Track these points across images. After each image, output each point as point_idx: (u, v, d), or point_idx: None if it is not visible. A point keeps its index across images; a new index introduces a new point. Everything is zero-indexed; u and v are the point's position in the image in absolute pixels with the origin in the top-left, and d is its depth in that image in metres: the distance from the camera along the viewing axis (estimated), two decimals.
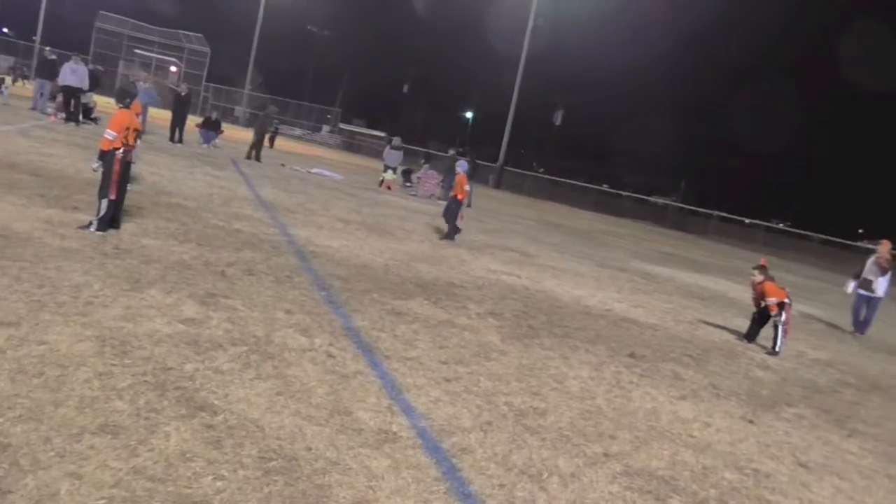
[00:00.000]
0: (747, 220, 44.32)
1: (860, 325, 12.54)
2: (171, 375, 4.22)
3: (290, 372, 4.70)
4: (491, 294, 8.83)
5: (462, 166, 14.46)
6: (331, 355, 5.21)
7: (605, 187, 51.12)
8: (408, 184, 25.20)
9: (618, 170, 62.62)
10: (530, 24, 46.07)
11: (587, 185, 50.43)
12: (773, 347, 8.76)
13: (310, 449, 3.70)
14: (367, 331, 6.05)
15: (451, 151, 25.18)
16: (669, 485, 4.28)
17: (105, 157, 7.48)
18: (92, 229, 7.30)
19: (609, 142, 69.22)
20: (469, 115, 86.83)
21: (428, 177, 24.54)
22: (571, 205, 42.93)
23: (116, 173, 7.44)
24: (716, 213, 43.66)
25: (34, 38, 48.52)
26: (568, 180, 50.45)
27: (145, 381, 4.07)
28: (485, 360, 5.96)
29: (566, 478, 4.04)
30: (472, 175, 24.70)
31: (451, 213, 13.45)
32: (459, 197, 13.53)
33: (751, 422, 5.89)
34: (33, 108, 21.80)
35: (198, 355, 4.62)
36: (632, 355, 7.22)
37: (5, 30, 62.75)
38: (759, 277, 9.14)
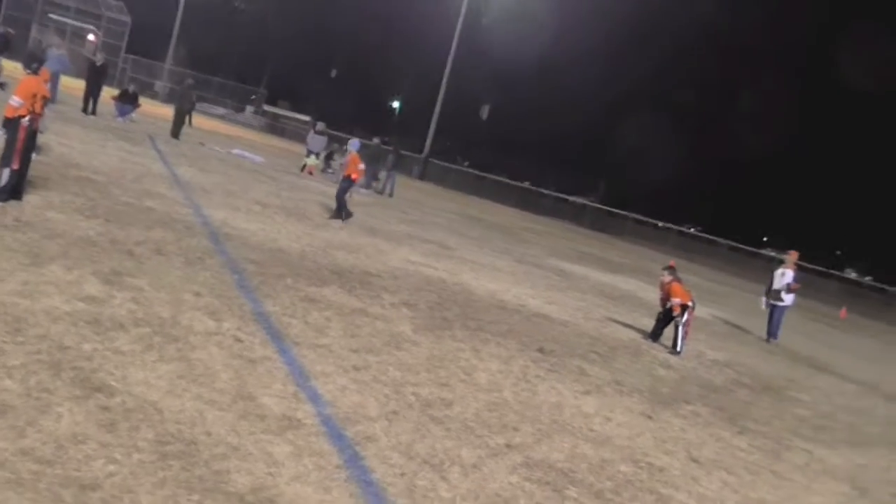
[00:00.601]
0: (660, 224, 45.70)
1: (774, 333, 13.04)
2: (68, 355, 4.08)
3: (194, 355, 4.61)
4: (407, 285, 8.85)
5: (354, 145, 14.52)
6: (238, 340, 5.13)
7: (527, 185, 51.75)
8: (329, 170, 24.92)
9: (541, 168, 63.50)
10: (461, 15, 46.15)
11: (510, 181, 50.94)
12: (675, 347, 9.09)
13: (209, 434, 3.65)
14: (278, 316, 5.99)
15: (376, 140, 25.02)
16: (567, 476, 4.41)
17: (9, 124, 7.14)
18: None
19: (533, 139, 70.09)
20: (396, 104, 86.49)
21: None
22: (494, 200, 43.30)
23: (21, 141, 7.11)
24: (631, 215, 44.86)
25: None
26: (492, 176, 50.83)
27: (39, 359, 3.92)
28: (395, 350, 5.98)
29: (467, 468, 4.11)
30: (397, 165, 24.74)
31: (341, 192, 13.36)
32: (353, 176, 13.47)
33: (649, 417, 6.11)
34: None
35: (97, 335, 4.48)
36: (540, 350, 7.38)
37: None
38: (667, 278, 9.46)
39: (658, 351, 9.12)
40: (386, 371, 5.38)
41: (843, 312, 25.06)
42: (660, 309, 9.72)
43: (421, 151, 47.18)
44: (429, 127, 47.31)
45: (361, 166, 13.99)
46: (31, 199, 7.57)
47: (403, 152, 27.34)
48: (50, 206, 7.52)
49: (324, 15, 69.25)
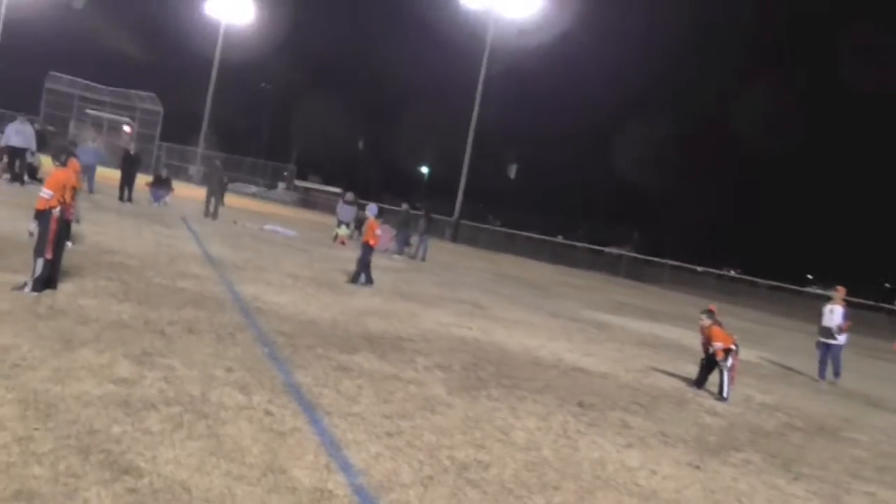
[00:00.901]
0: (699, 269, 45.09)
1: (824, 373, 12.59)
2: (97, 438, 4.06)
3: (224, 431, 4.57)
4: (440, 347, 8.77)
5: (371, 210, 14.83)
6: (269, 413, 5.09)
7: (560, 239, 51.66)
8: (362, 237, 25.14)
9: (573, 221, 63.47)
10: (481, 78, 46.96)
11: (542, 237, 50.87)
12: (721, 393, 8.82)
13: None
14: (309, 387, 5.94)
15: (405, 206, 25.24)
16: None
17: (41, 216, 7.33)
18: (27, 290, 7.10)
19: (564, 194, 70.38)
20: (425, 169, 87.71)
21: (382, 231, 24.53)
22: (527, 256, 43.19)
23: (53, 232, 7.29)
24: (668, 262, 44.36)
25: None
26: (523, 232, 50.86)
27: (68, 444, 3.91)
28: (430, 414, 5.87)
29: None
30: (428, 229, 24.84)
31: (361, 257, 13.55)
32: (371, 242, 13.62)
33: (697, 468, 5.88)
34: None
35: (128, 416, 4.47)
36: (580, 404, 7.20)
37: None
38: (706, 322, 9.24)
39: (704, 398, 8.85)
40: (420, 435, 5.27)
41: (895, 346, 24.23)
42: (703, 355, 9.48)
43: (451, 214, 47.52)
44: (458, 189, 47.73)
45: (379, 231, 14.13)
46: (65, 287, 7.71)
47: (434, 216, 27.44)
48: (83, 293, 7.65)
49: (347, 88, 70.94)
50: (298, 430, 4.86)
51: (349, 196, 25.87)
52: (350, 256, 19.24)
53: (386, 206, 34.42)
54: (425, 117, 68.44)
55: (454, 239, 45.66)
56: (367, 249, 13.53)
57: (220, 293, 9.48)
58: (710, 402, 8.64)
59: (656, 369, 10.34)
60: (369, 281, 13.29)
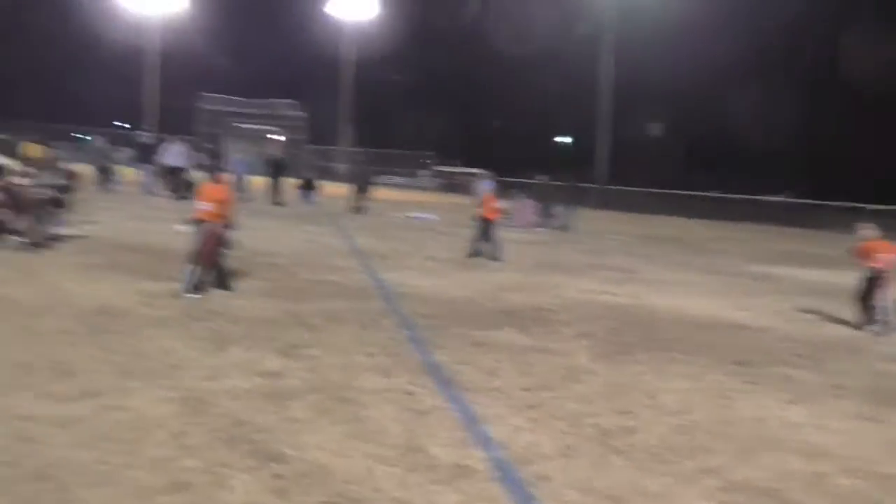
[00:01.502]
0: (868, 207, 41.48)
1: None
2: (245, 429, 4.26)
3: (365, 413, 4.67)
4: (583, 315, 8.57)
5: (486, 185, 14.50)
6: (408, 393, 5.15)
7: (713, 193, 49.18)
8: (505, 215, 25.11)
9: (727, 174, 60.23)
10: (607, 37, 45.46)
11: (694, 193, 48.64)
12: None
13: (378, 490, 3.63)
14: (448, 365, 5.96)
15: (543, 178, 24.93)
16: (775, 497, 3.94)
17: (196, 224, 7.84)
18: (188, 294, 7.61)
19: (713, 146, 66.82)
20: (566, 139, 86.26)
21: (524, 206, 24.38)
22: (679, 216, 41.44)
23: (207, 243, 7.77)
24: (835, 203, 41.09)
25: (145, 127, 52.10)
26: (674, 191, 48.86)
27: (218, 437, 4.12)
28: (572, 383, 5.74)
29: (653, 498, 3.79)
30: (573, 198, 24.38)
31: (479, 233, 13.43)
32: (489, 216, 13.48)
33: (873, 420, 5.38)
34: (143, 192, 23.25)
35: (274, 406, 4.66)
36: (737, 362, 6.79)
37: (118, 123, 67.54)
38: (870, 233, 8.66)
39: (881, 346, 8.11)
40: (562, 406, 5.16)
41: None
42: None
43: (596, 181, 46.52)
44: (601, 155, 46.65)
45: (496, 205, 14.03)
46: (217, 290, 8.19)
47: (579, 184, 26.83)
48: (235, 294, 8.09)
49: (476, 71, 70.94)
50: (438, 409, 4.89)
51: (485, 175, 25.88)
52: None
53: (523, 181, 34.18)
54: (559, 85, 67.17)
55: (601, 205, 44.63)
56: (486, 223, 13.44)
57: (365, 283, 9.75)
58: (889, 349, 7.91)
59: (826, 318, 9.60)
60: (496, 256, 13.16)
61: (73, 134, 53.29)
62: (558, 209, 24.57)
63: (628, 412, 5.12)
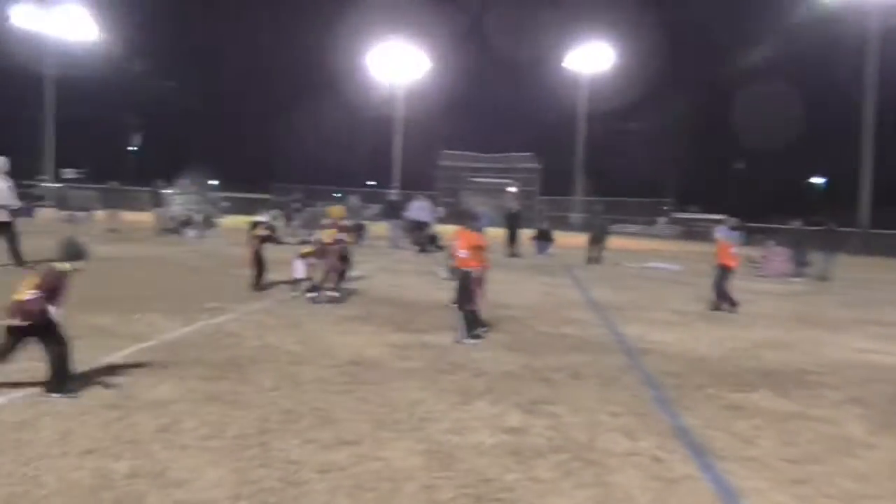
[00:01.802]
0: None
1: None
2: (491, 487, 4.26)
3: (611, 479, 4.48)
4: (853, 378, 7.66)
5: (721, 231, 13.55)
6: (657, 459, 4.87)
7: None
8: (752, 264, 23.51)
9: None
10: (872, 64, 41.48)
11: None
12: None
13: None
14: (699, 430, 5.58)
15: (797, 223, 23.04)
16: None
17: (458, 272, 8.64)
18: (464, 341, 8.22)
19: None
20: (819, 179, 79.50)
21: (775, 254, 22.68)
22: None
23: (472, 290, 8.49)
24: None
25: (393, 185, 56.07)
26: None
27: (466, 493, 4.16)
28: (844, 457, 5.11)
29: None
30: (832, 244, 22.20)
31: (717, 283, 12.71)
32: (728, 264, 12.78)
33: None
34: (391, 246, 24.84)
35: (519, 465, 4.63)
36: None
37: (371, 182, 73.22)
38: None
39: None
40: (834, 483, 4.60)
41: None
42: None
43: (857, 224, 42.24)
44: (862, 195, 42.39)
45: (733, 250, 13.33)
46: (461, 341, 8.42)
47: (838, 228, 24.31)
48: (477, 347, 8.25)
49: (716, 112, 68.06)
50: (689, 478, 4.56)
51: (731, 222, 24.46)
52: (741, 285, 18.09)
53: (776, 226, 31.81)
54: (812, 122, 62.38)
55: (864, 251, 40.30)
56: (722, 272, 12.63)
57: (604, 336, 9.52)
58: None
59: None
60: (733, 304, 12.42)
61: (333, 194, 58.75)
62: (814, 256, 22.55)
63: None
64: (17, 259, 13.18)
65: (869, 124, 42.92)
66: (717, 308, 12.55)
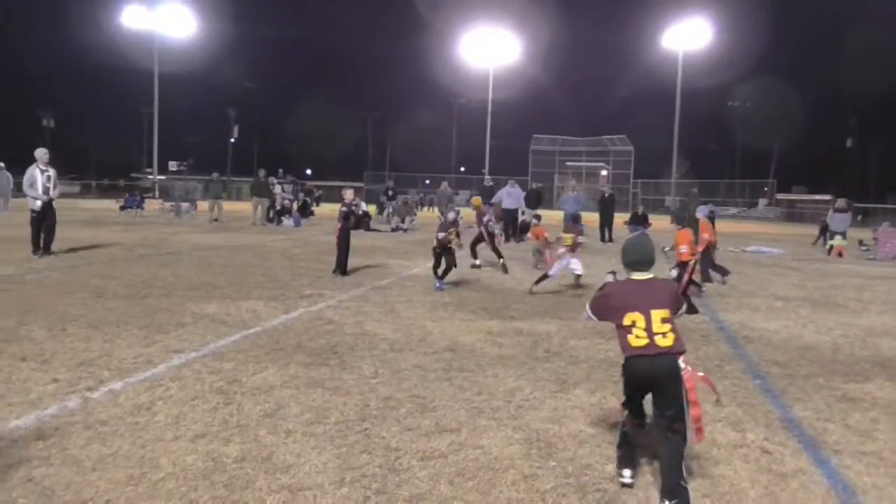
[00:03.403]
0: None
1: None
2: (592, 477, 4.20)
3: (717, 471, 4.34)
4: None
5: (702, 211, 13.09)
6: (766, 451, 4.69)
7: None
8: (863, 247, 22.37)
9: None
10: None
11: None
12: None
13: None
14: (810, 421, 5.34)
15: None
16: None
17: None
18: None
19: None
20: None
21: (888, 235, 21.48)
22: None
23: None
24: None
25: (483, 170, 56.03)
26: None
27: (567, 482, 4.11)
28: None
29: None
30: None
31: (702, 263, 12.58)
32: (712, 241, 13.37)
33: None
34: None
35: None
36: None
37: (462, 168, 73.50)
38: None
39: None
40: None
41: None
42: None
43: None
44: None
45: (706, 235, 13.20)
46: (558, 330, 8.34)
47: None
48: (574, 335, 8.16)
49: (825, 85, 64.85)
50: (802, 472, 4.37)
51: (840, 203, 23.30)
52: (850, 269, 17.23)
53: (889, 206, 30.08)
54: None
55: None
56: (706, 252, 13.21)
57: (705, 324, 9.24)
58: None
59: None
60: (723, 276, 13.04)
61: (426, 181, 59.40)
62: None
63: None
64: (35, 245, 13.68)
65: None
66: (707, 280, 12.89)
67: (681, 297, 4.26)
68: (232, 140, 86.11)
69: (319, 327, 8.05)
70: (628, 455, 4.17)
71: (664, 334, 3.92)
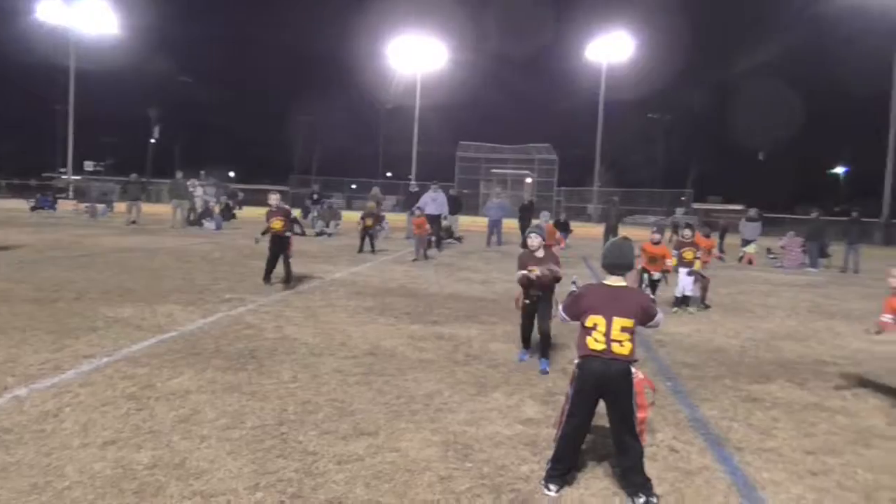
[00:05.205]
0: None
1: None
2: (507, 477, 4.28)
3: None
4: (872, 370, 7.60)
5: (543, 216, 14.59)
6: (674, 450, 4.87)
7: None
8: (771, 255, 23.36)
9: None
10: None
11: None
12: None
13: None
14: (716, 421, 5.57)
15: (814, 213, 22.81)
16: None
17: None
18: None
19: None
20: (840, 170, 78.71)
21: (794, 244, 22.50)
22: None
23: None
24: None
25: (409, 176, 56.08)
26: None
27: (483, 483, 4.18)
28: (863, 449, 5.08)
29: None
30: (858, 236, 21.84)
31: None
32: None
33: None
34: (407, 238, 24.85)
35: (534, 455, 4.64)
36: None
37: (388, 174, 73.52)
38: None
39: None
40: (853, 475, 4.57)
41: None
42: None
43: (879, 215, 41.76)
44: (884, 186, 41.87)
45: (558, 235, 15.14)
46: (476, 334, 8.44)
47: (860, 220, 23.87)
48: (494, 339, 8.28)
49: (738, 103, 67.59)
50: (706, 469, 4.56)
51: (752, 212, 24.31)
52: (759, 276, 17.99)
53: (795, 216, 31.51)
54: (837, 111, 61.76)
55: (887, 242, 39.83)
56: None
57: None
58: None
59: None
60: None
61: (353, 185, 59.18)
62: (834, 248, 22.37)
63: None
64: None
65: (892, 115, 42.23)
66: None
67: (651, 310, 4.29)
68: (153, 140, 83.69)
69: (238, 332, 7.92)
70: (557, 469, 4.20)
71: (621, 342, 4.05)
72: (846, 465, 4.74)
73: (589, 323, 4.10)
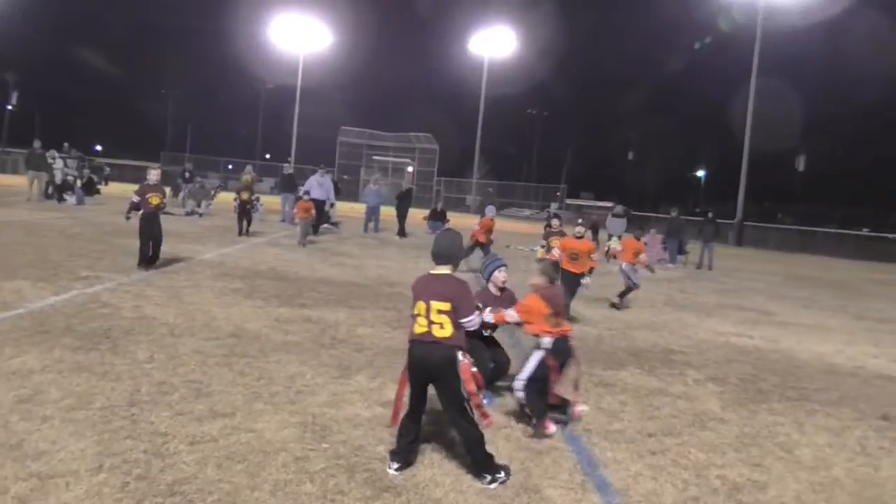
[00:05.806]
0: None
1: None
2: (363, 458, 4.32)
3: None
4: (715, 358, 8.19)
5: (489, 210, 16.48)
6: (526, 432, 5.07)
7: (865, 231, 46.07)
8: None
9: (880, 210, 56.25)
10: (755, 68, 43.75)
11: (843, 231, 45.75)
12: None
13: None
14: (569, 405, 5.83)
15: (674, 212, 24.17)
16: None
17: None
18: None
19: (863, 181, 62.74)
20: (700, 173, 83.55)
21: (654, 241, 23.74)
22: (825, 255, 38.94)
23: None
24: None
25: (289, 159, 55.02)
26: (819, 228, 46.14)
27: (338, 464, 4.21)
28: (699, 431, 5.47)
29: None
30: (714, 235, 23.32)
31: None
32: (480, 239, 15.46)
33: None
34: (282, 220, 24.41)
35: (392, 437, 4.69)
36: (885, 417, 6.26)
37: (267, 155, 71.75)
38: None
39: None
40: (687, 454, 4.92)
41: None
42: None
43: (733, 216, 44.72)
44: (738, 189, 44.81)
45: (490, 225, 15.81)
46: (345, 318, 8.45)
47: (719, 220, 25.42)
48: (362, 323, 8.31)
49: (612, 102, 70.31)
50: (555, 449, 4.78)
51: (618, 209, 25.47)
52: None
53: (658, 215, 33.26)
54: (699, 116, 65.39)
55: (739, 242, 42.71)
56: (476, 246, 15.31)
57: None
58: None
59: None
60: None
61: (229, 166, 57.31)
62: (691, 246, 23.79)
63: (760, 465, 4.82)
64: None
65: (748, 124, 45.21)
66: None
67: (471, 303, 4.38)
68: (10, 107, 77.85)
69: (93, 310, 7.56)
70: (401, 447, 4.30)
71: (441, 325, 4.15)
72: (682, 445, 5.09)
73: (415, 310, 4.24)
